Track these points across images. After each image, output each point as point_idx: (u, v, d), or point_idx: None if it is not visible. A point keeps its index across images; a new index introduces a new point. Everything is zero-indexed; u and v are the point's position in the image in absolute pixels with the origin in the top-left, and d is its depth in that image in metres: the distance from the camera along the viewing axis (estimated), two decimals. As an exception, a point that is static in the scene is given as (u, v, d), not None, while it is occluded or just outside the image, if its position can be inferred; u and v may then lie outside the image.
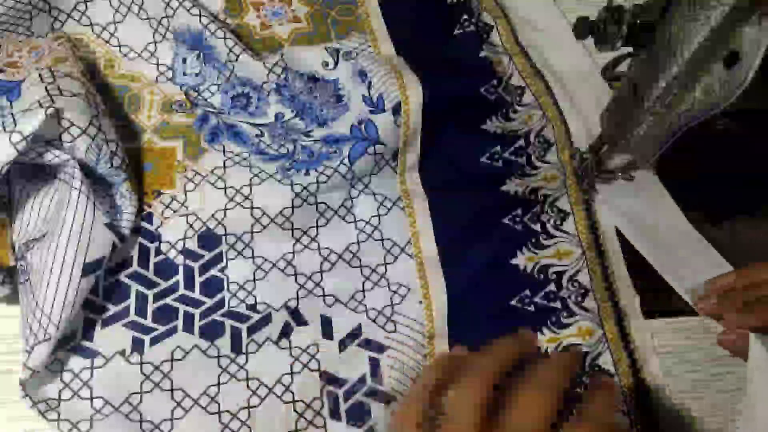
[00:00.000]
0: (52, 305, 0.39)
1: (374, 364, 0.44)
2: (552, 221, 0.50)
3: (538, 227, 0.50)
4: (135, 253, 0.46)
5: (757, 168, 0.53)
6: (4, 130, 0.39)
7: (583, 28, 0.41)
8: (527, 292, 0.48)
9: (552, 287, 0.48)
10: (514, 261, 0.49)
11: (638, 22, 0.39)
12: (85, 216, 0.40)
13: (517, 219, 0.50)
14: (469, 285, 0.47)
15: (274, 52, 0.54)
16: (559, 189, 0.51)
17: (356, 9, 0.58)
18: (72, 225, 0.40)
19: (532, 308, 0.47)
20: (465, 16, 0.57)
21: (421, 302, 0.46)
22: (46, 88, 0.41)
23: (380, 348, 0.45)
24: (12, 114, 0.40)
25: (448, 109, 0.51)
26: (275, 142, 0.50)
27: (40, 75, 0.42)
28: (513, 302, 0.47)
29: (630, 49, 0.42)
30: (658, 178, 0.52)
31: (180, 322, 0.44)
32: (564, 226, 0.50)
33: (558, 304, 0.47)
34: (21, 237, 0.43)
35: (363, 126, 0.48)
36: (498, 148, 0.52)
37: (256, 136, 0.51)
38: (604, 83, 0.55)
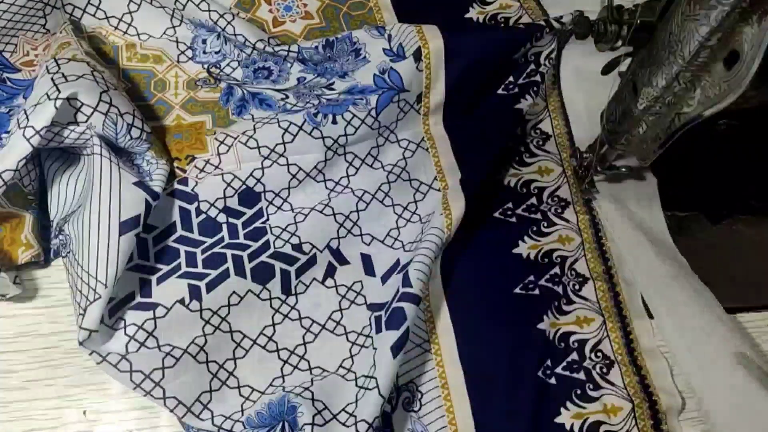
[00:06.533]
0: (96, 265, 0.40)
1: (405, 275, 0.45)
2: (553, 209, 0.52)
3: (538, 215, 0.51)
4: (177, 218, 0.46)
5: (757, 168, 0.53)
6: (19, 126, 0.40)
7: (583, 28, 0.41)
8: (531, 277, 0.49)
9: (556, 270, 0.49)
10: (516, 250, 0.50)
11: (638, 22, 0.39)
12: (111, 177, 0.41)
13: (509, 212, 0.51)
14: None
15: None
16: (557, 180, 0.53)
17: (368, 2, 0.59)
18: (101, 188, 0.41)
19: (537, 291, 0.49)
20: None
21: (442, 213, 0.47)
22: (51, 78, 0.42)
23: (410, 262, 0.46)
24: (24, 110, 0.41)
25: (471, 63, 0.51)
26: (301, 100, 0.52)
27: (47, 67, 0.43)
28: (517, 289, 0.49)
29: (630, 49, 0.42)
30: (655, 184, 0.52)
31: (231, 265, 0.45)
32: (565, 213, 0.52)
33: (560, 290, 0.49)
34: (58, 214, 0.45)
35: (387, 75, 0.50)
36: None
37: (282, 99, 0.52)
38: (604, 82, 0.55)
